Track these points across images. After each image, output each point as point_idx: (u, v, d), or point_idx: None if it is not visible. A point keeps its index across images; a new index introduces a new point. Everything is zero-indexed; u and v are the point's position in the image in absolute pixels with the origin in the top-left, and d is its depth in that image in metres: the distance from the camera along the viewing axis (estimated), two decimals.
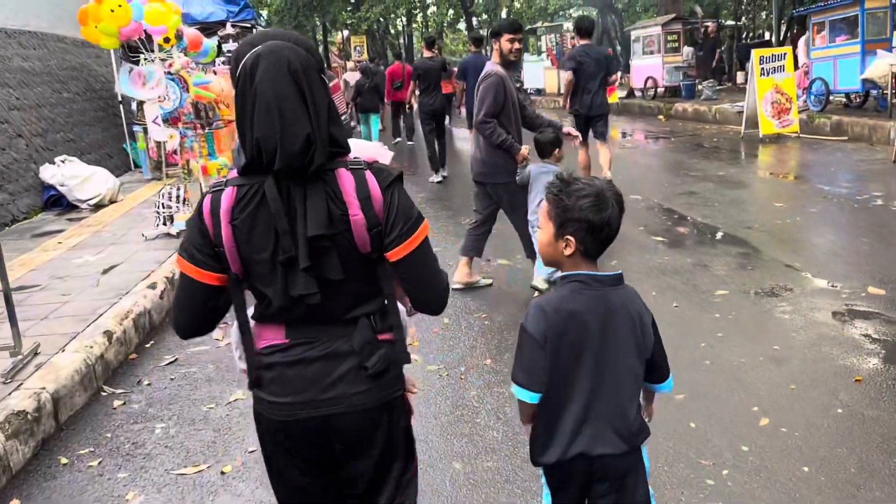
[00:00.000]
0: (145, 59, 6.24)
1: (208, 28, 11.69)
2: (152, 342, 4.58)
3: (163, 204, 6.55)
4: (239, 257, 1.55)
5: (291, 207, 1.51)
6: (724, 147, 11.84)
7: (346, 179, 1.53)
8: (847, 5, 12.59)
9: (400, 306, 1.72)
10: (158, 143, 6.36)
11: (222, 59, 10.80)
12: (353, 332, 1.60)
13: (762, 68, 11.86)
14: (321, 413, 1.59)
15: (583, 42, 8.18)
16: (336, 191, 1.52)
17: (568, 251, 1.72)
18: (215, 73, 8.52)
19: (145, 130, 6.34)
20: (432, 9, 36.19)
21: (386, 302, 1.66)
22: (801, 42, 14.94)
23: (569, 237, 1.70)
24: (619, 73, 9.92)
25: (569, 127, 5.78)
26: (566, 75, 8.19)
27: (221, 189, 1.54)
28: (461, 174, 10.77)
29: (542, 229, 1.77)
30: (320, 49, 40.84)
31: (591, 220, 1.68)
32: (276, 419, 1.63)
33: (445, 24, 35.34)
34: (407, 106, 12.70)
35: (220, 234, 1.53)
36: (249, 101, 1.49)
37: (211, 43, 7.76)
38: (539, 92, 24.10)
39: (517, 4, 31.85)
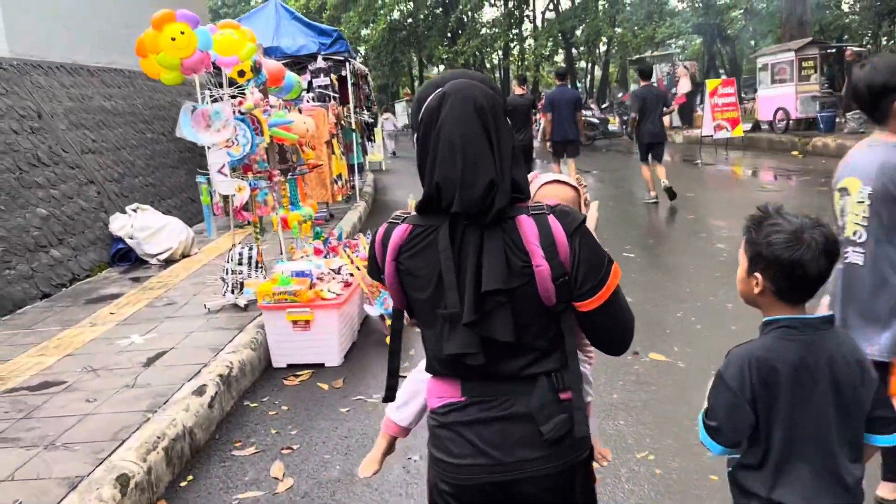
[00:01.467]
0: (212, 96, 5.20)
1: (299, 62, 10.85)
2: (190, 477, 3.36)
3: (230, 270, 5.45)
4: (402, 293, 1.53)
5: (463, 257, 1.43)
6: None
7: (527, 226, 1.42)
8: None
9: (584, 369, 1.77)
10: (225, 198, 5.28)
11: (311, 94, 9.88)
12: (532, 391, 1.47)
13: None
14: (503, 479, 1.47)
15: (644, 83, 10.21)
16: (516, 239, 1.42)
17: (757, 289, 1.60)
18: (300, 110, 7.49)
19: (209, 181, 5.26)
20: (529, 41, 35.15)
21: (568, 360, 1.51)
22: None
23: (757, 275, 1.59)
24: (673, 106, 11.52)
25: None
26: (633, 115, 10.29)
27: (397, 223, 1.50)
28: None
29: (740, 264, 1.66)
30: (415, 84, 40.63)
31: (780, 258, 1.55)
32: (454, 482, 1.51)
33: (543, 57, 34.13)
34: None
35: (384, 265, 1.52)
36: (433, 141, 1.43)
37: (295, 77, 6.71)
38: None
39: (618, 31, 30.13)
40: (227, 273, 5.48)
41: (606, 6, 28.92)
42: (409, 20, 34.70)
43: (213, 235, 6.46)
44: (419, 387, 1.91)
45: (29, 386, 4.07)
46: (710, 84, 16.30)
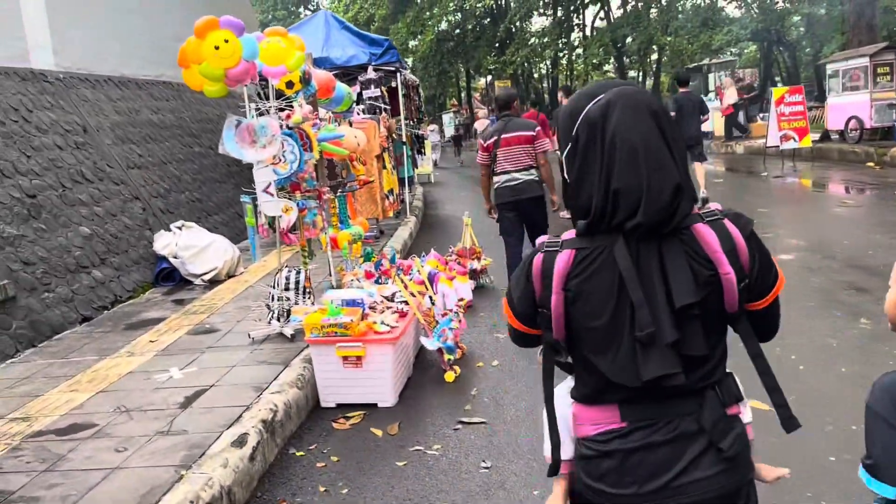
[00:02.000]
0: (257, 108, 4.83)
1: (349, 73, 10.52)
2: None
3: (276, 296, 5.04)
4: (567, 324, 1.44)
5: (643, 274, 1.36)
6: None
7: (706, 234, 1.38)
8: None
9: None
10: (272, 219, 4.89)
11: (361, 106, 9.51)
12: (700, 407, 1.41)
13: None
14: (679, 502, 1.40)
15: (682, 90, 10.90)
16: (697, 249, 1.38)
17: None
18: (350, 123, 7.10)
19: (254, 201, 4.87)
20: (579, 50, 34.43)
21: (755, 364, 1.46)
22: None
23: None
24: (709, 115, 11.94)
25: None
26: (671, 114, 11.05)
27: (556, 250, 1.43)
28: None
29: (892, 286, 1.56)
30: (462, 95, 40.29)
31: None
32: None
33: (591, 67, 33.38)
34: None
35: (547, 297, 1.44)
36: (602, 151, 1.37)
37: (345, 88, 6.32)
38: (706, 136, 21.39)
39: (670, 39, 29.18)
40: (272, 299, 5.08)
41: (659, 14, 28.08)
42: (457, 31, 34.44)
43: (258, 259, 6.08)
44: (560, 413, 1.75)
45: (57, 429, 3.71)
46: (777, 92, 15.44)
